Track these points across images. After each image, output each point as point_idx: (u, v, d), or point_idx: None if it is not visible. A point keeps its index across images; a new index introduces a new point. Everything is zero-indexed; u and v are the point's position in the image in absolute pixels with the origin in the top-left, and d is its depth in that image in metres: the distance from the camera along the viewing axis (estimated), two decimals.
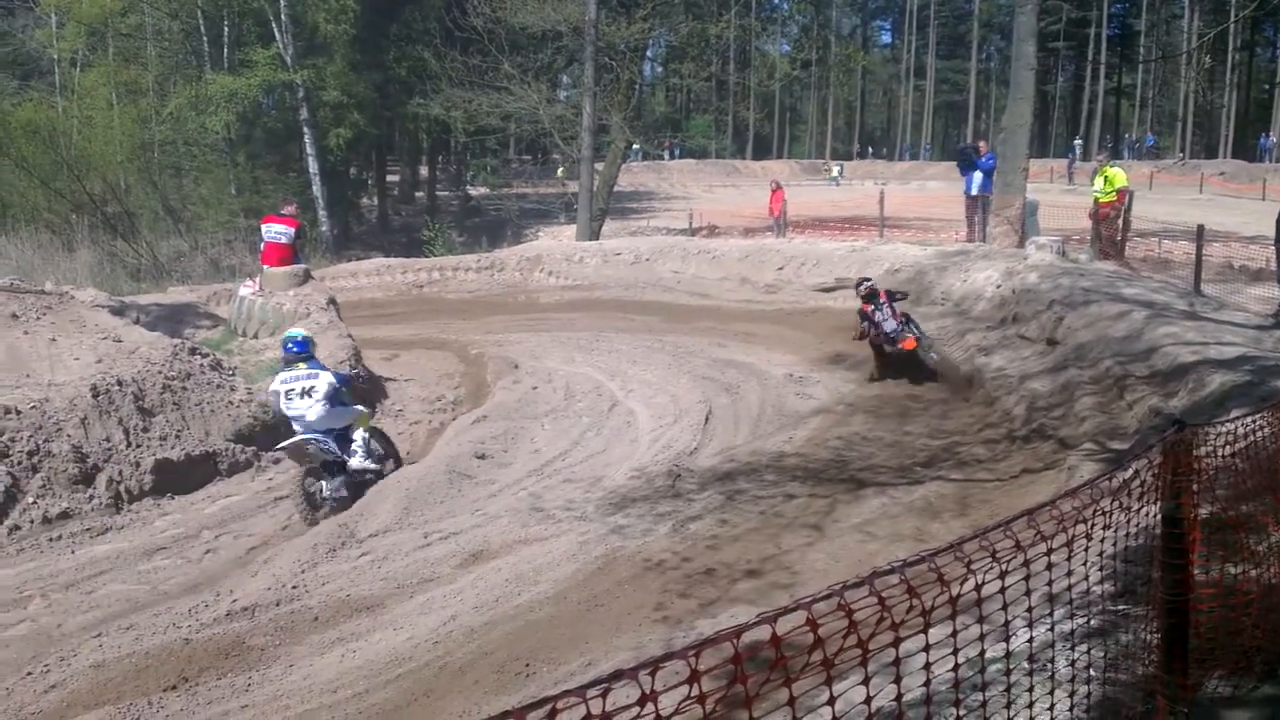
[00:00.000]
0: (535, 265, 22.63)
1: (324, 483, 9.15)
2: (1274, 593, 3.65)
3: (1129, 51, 66.26)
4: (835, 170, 55.39)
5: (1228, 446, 3.49)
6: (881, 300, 13.21)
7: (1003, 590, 2.24)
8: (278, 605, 7.09)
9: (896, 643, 1.92)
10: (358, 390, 11.38)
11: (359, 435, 9.50)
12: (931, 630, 2.06)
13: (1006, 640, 2.50)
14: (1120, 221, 17.30)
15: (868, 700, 1.94)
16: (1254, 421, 3.70)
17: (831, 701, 1.81)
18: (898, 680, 1.98)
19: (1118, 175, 17.29)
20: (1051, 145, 64.52)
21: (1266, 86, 60.55)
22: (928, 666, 2.11)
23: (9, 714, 5.84)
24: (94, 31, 33.04)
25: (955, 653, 2.21)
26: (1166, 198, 32.46)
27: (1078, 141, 59.13)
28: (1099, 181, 17.37)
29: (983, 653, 2.36)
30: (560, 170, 48.10)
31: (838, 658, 1.79)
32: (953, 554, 2.05)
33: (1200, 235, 14.50)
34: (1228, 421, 3.66)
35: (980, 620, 2.26)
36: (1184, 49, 54.81)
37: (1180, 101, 61.61)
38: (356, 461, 9.36)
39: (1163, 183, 40.41)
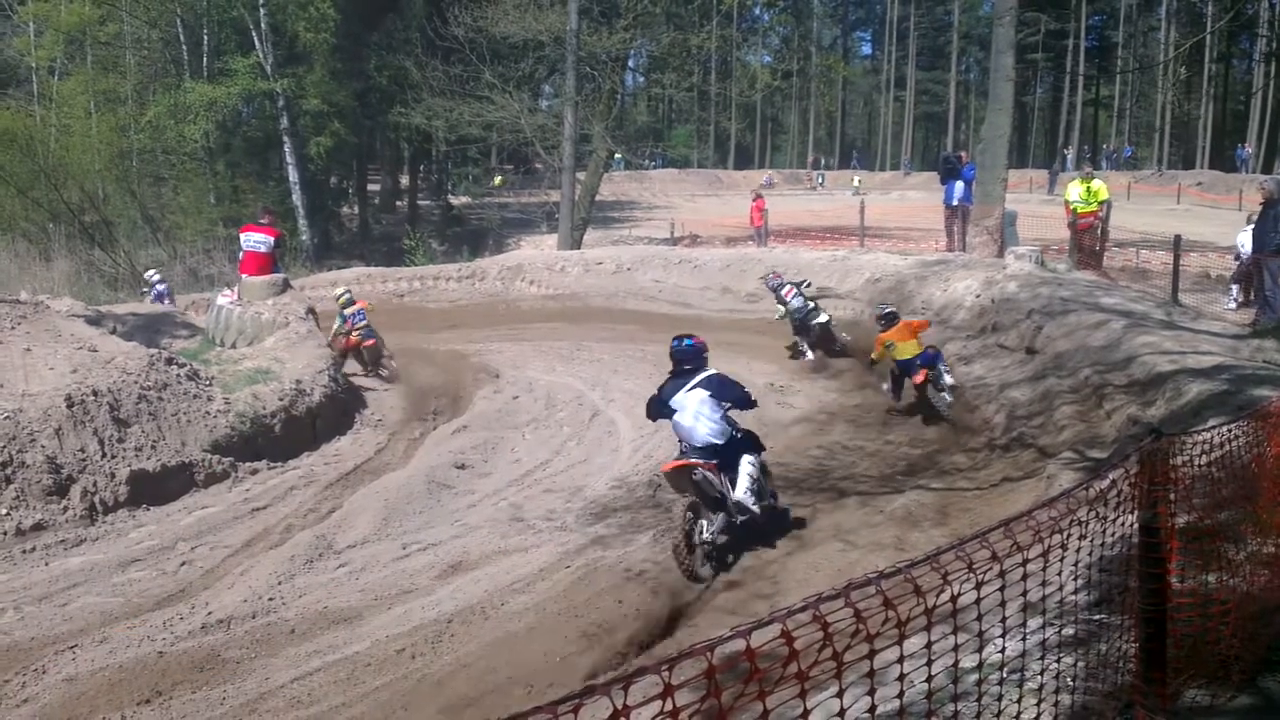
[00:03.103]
0: (517, 274, 22.60)
1: None
2: (1251, 601, 3.66)
3: (1107, 63, 66.74)
4: (856, 181, 55.63)
5: (1205, 455, 3.50)
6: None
7: (978, 601, 2.23)
8: (254, 618, 7.03)
9: (872, 654, 1.91)
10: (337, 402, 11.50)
11: None
12: (910, 641, 2.05)
13: (981, 650, 2.49)
14: (1099, 232, 17.42)
15: (841, 713, 1.92)
16: (1230, 430, 3.71)
17: (805, 715, 1.79)
18: (872, 692, 1.96)
19: (1102, 188, 17.43)
20: (1030, 156, 64.91)
21: (1242, 98, 61.17)
22: (901, 678, 2.09)
23: None
24: (72, 40, 32.83)
25: (929, 664, 2.19)
26: (1144, 208, 32.73)
27: (1067, 151, 59.45)
28: (1074, 191, 17.46)
29: (956, 663, 2.34)
30: (497, 179, 47.94)
31: (815, 670, 1.78)
32: (930, 565, 2.04)
33: (1177, 245, 14.63)
34: (1205, 430, 3.67)
35: (955, 630, 2.25)
36: (1161, 60, 55.29)
37: (1157, 113, 62.09)
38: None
39: (1140, 193, 40.70)
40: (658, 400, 8.22)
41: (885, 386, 12.51)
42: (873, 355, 12.61)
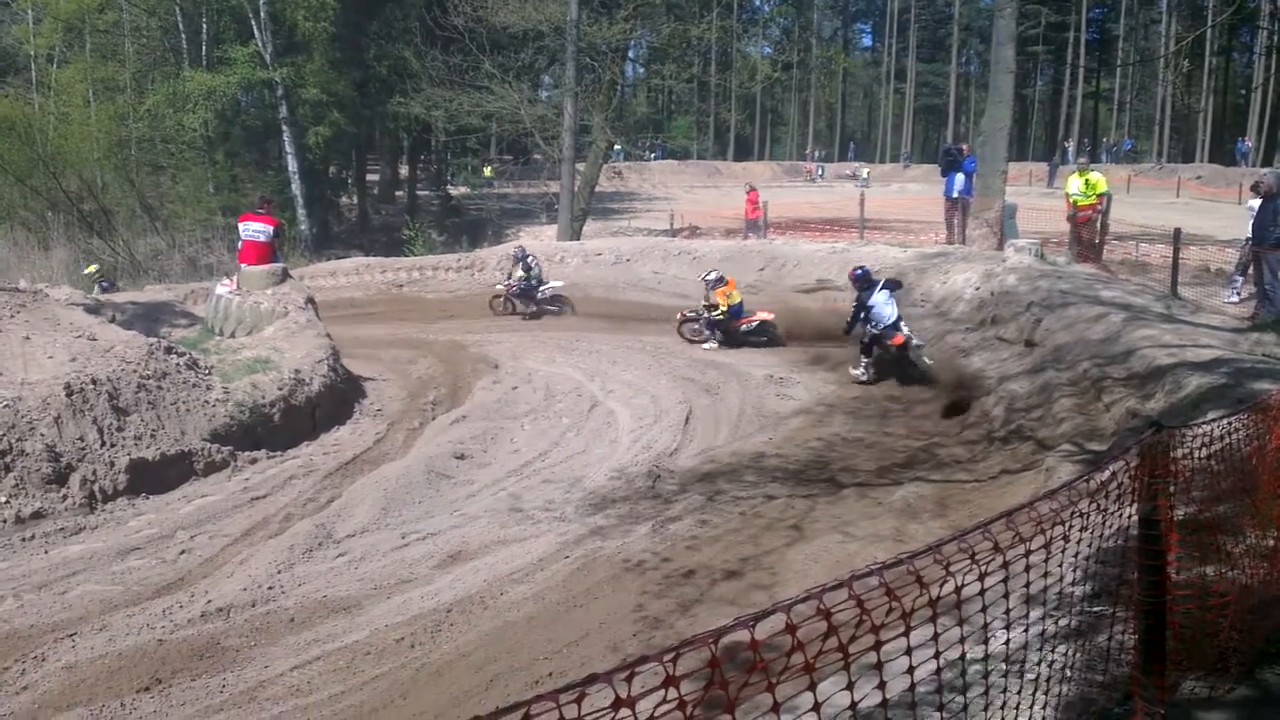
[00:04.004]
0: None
1: None
2: (1250, 594, 3.66)
3: (1107, 56, 66.57)
4: (864, 173, 55.49)
5: (1204, 448, 3.50)
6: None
7: (981, 593, 2.23)
8: (253, 606, 7.04)
9: (877, 645, 1.91)
10: (336, 392, 11.43)
11: None
12: (911, 632, 2.05)
13: (985, 642, 2.49)
14: (1099, 225, 17.40)
15: (853, 706, 1.92)
16: (1230, 423, 3.71)
17: (817, 707, 1.80)
18: (882, 685, 1.96)
19: (1100, 181, 17.40)
20: (1030, 149, 64.80)
21: (1243, 91, 61.04)
22: (911, 670, 2.10)
23: None
24: (71, 28, 32.73)
25: (937, 655, 2.20)
26: (1144, 201, 32.67)
27: (1068, 144, 59.33)
28: (1074, 185, 17.44)
29: (963, 655, 2.35)
30: (487, 170, 47.74)
31: (817, 660, 1.78)
32: (931, 556, 2.04)
33: (1177, 239, 14.60)
34: (1204, 423, 3.67)
35: (960, 622, 2.25)
36: (1162, 54, 55.20)
37: (1158, 106, 61.98)
38: None
39: (1140, 186, 40.65)
40: (859, 306, 13.59)
41: (705, 340, 16.15)
42: (722, 308, 16.02)
